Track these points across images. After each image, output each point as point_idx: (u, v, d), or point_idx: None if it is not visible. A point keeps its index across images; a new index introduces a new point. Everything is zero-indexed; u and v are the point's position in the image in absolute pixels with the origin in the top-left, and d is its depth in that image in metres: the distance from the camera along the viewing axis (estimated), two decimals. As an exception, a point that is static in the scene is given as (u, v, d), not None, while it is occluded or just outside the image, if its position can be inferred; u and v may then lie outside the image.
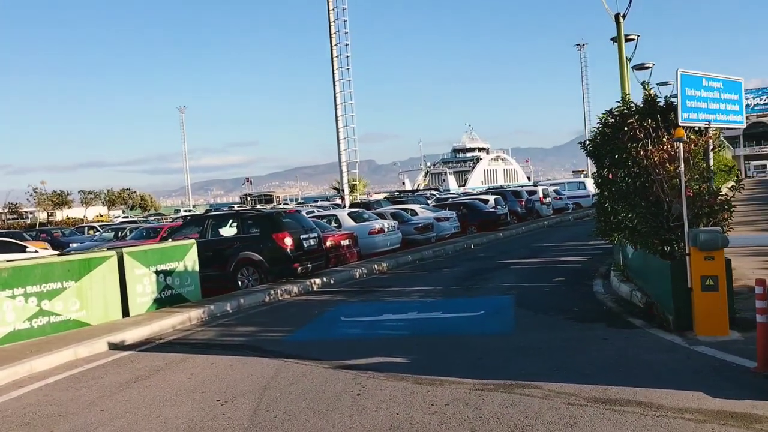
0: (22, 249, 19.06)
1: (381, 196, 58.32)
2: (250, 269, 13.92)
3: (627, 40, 15.37)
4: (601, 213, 11.93)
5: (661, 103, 8.26)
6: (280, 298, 12.71)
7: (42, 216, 71.46)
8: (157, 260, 11.64)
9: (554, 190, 34.87)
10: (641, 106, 8.29)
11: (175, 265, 12.01)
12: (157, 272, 11.59)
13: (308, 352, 7.85)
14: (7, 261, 10.17)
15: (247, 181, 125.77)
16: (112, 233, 25.44)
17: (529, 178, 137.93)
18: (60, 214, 70.11)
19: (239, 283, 13.90)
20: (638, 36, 15.28)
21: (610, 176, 10.66)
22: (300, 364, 7.24)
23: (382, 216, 20.44)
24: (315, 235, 14.83)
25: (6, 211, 59.14)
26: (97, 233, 30.97)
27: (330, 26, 35.70)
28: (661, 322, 7.77)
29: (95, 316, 10.30)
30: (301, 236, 14.22)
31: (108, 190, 62.79)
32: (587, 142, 12.28)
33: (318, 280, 14.03)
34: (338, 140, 36.37)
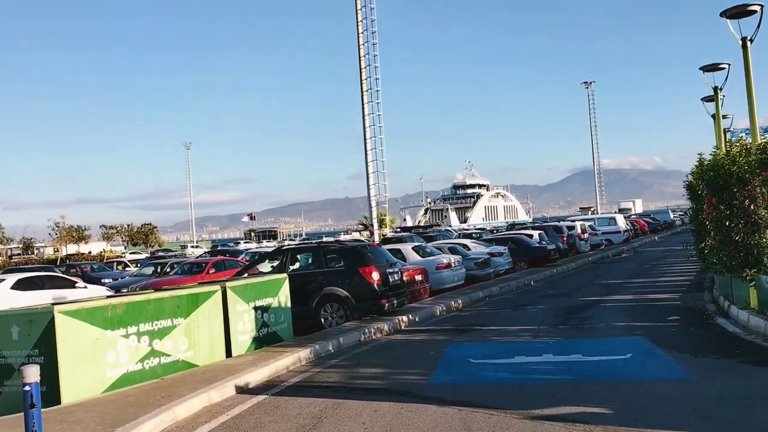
0: (71, 284, 18.17)
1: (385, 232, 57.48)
2: (335, 305, 13.14)
3: (718, 69, 15.03)
4: (725, 247, 11.31)
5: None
6: (374, 337, 11.93)
7: (48, 251, 70.16)
8: (255, 296, 10.87)
9: (589, 226, 34.31)
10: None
11: (270, 300, 11.24)
12: (256, 308, 10.81)
13: (474, 398, 7.08)
14: (111, 296, 9.37)
15: (250, 217, 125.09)
16: (151, 269, 24.55)
17: (528, 215, 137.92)
18: (65, 250, 68.87)
19: (322, 320, 13.10)
20: (729, 65, 14.94)
21: (752, 207, 10.10)
22: (483, 413, 6.47)
23: (440, 251, 19.74)
24: (398, 269, 14.11)
25: (21, 246, 57.92)
26: (127, 268, 30.11)
27: (360, 61, 35.60)
28: None
29: (202, 356, 9.49)
30: (387, 271, 13.49)
31: (128, 225, 61.59)
32: (708, 174, 11.77)
33: (404, 318, 13.27)
34: (367, 175, 35.90)
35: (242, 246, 62.23)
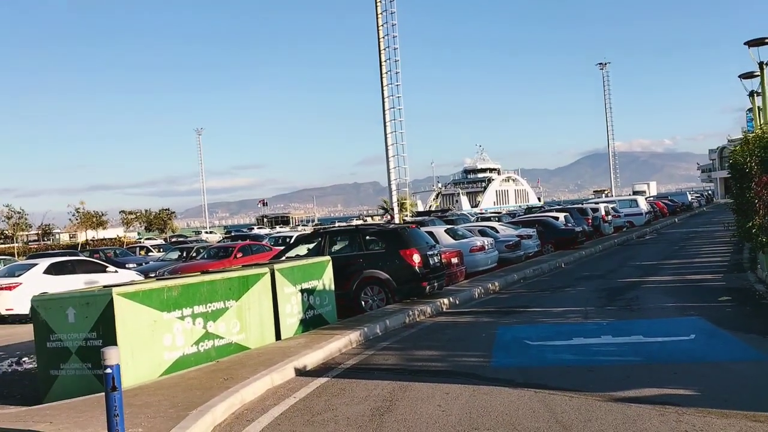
0: (102, 269, 18.08)
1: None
2: (375, 288, 12.96)
3: (764, 44, 14.60)
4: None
5: None
6: (418, 319, 11.76)
7: (64, 237, 70.44)
8: (301, 278, 10.71)
9: (612, 208, 33.94)
10: None
11: (315, 283, 11.08)
12: (302, 291, 10.66)
13: (545, 380, 6.88)
14: (181, 280, 9.22)
15: (262, 203, 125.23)
16: (176, 254, 24.47)
17: (539, 199, 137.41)
18: (81, 236, 69.09)
19: (362, 303, 12.94)
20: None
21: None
22: (562, 396, 6.28)
23: (471, 233, 19.50)
24: (437, 251, 13.90)
25: (39, 232, 58.14)
26: (150, 254, 30.07)
27: (379, 42, 35.14)
28: None
29: (253, 338, 9.35)
30: (427, 253, 13.28)
31: (146, 211, 61.67)
32: (762, 152, 11.42)
33: (446, 300, 13.09)
34: (387, 159, 35.59)
35: (255, 231, 62.32)
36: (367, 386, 7.22)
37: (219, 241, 34.77)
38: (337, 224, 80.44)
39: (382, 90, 35.16)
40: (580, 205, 32.73)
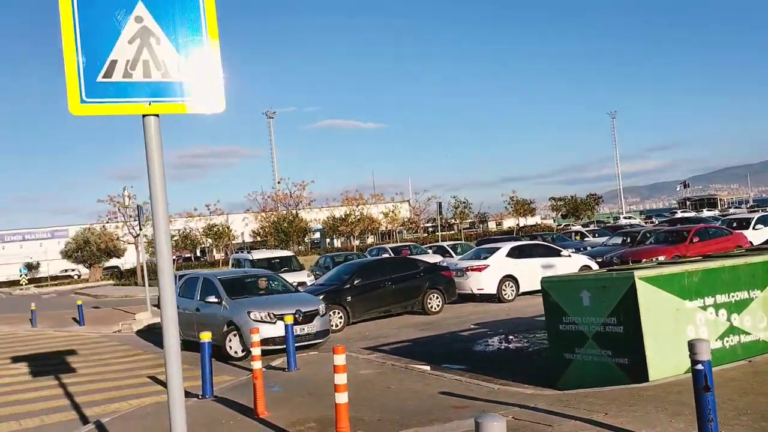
0: (557, 253, 18.42)
1: None
2: None
3: None
4: None
5: None
6: None
7: (491, 224, 77.13)
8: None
9: None
10: None
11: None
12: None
13: None
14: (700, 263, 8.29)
15: (683, 186, 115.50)
16: (620, 239, 23.62)
17: None
18: (506, 223, 74.48)
19: None
20: None
21: None
22: None
23: None
24: None
25: (477, 220, 65.15)
26: (585, 239, 29.99)
27: None
28: None
29: (781, 337, 7.74)
30: None
31: (572, 197, 63.21)
32: None
33: None
34: None
35: (679, 215, 57.01)
36: None
37: (662, 223, 32.54)
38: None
39: None
40: None
